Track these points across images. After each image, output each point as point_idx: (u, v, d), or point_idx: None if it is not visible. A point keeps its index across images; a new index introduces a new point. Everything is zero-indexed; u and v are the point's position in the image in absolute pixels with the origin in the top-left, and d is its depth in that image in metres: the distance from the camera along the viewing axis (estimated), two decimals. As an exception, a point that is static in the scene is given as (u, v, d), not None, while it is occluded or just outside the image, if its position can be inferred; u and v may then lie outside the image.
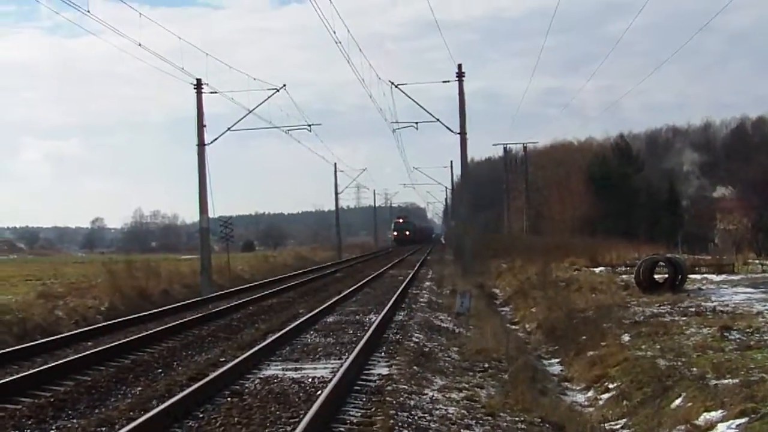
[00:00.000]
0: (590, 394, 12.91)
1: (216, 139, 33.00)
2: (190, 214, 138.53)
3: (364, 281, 30.86)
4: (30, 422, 9.18)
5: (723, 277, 26.69)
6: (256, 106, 32.44)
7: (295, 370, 12.19)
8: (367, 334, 14.61)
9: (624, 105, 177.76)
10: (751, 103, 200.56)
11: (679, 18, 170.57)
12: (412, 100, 35.87)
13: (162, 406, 8.96)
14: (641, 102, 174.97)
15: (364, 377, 11.39)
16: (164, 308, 21.76)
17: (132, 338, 15.15)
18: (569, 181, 69.59)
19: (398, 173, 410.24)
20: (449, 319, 19.80)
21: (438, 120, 36.65)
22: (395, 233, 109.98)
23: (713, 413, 9.27)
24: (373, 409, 9.34)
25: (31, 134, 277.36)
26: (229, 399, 9.97)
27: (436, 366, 12.95)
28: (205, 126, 32.08)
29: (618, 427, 10.78)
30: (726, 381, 10.38)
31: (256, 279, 36.43)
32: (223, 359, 13.21)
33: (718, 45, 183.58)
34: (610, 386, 12.52)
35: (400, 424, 8.70)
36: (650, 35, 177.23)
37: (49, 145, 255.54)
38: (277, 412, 9.22)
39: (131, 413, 9.31)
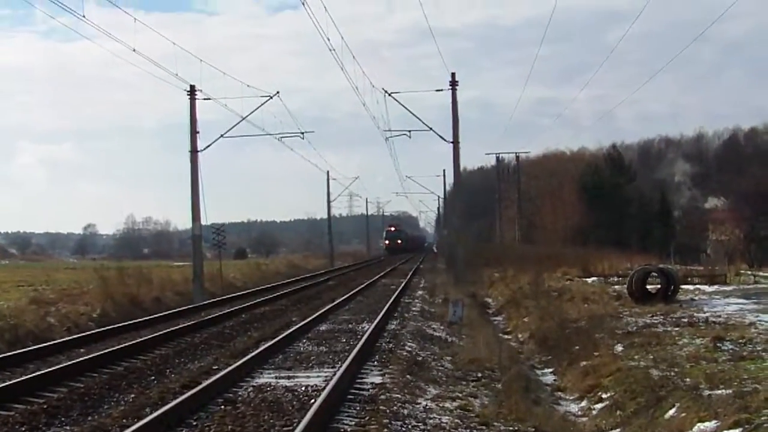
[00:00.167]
0: (583, 404, 12.90)
1: (209, 146, 33.14)
2: (182, 221, 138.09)
3: (356, 290, 30.83)
4: (23, 429, 9.15)
5: (715, 287, 26.76)
6: (250, 113, 32.56)
7: (288, 378, 12.17)
8: (360, 343, 14.59)
9: (617, 115, 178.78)
10: (745, 114, 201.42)
11: (673, 27, 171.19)
12: (406, 108, 35.89)
13: (155, 414, 8.93)
14: (635, 112, 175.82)
15: (358, 386, 11.37)
16: (156, 315, 21.68)
17: (124, 345, 15.09)
18: (562, 191, 69.68)
19: (391, 182, 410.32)
20: (442, 328, 19.79)
21: (431, 129, 36.78)
22: (387, 242, 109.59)
23: (707, 423, 9.28)
24: (366, 418, 9.32)
25: (26, 138, 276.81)
26: (222, 407, 9.94)
27: (429, 375, 12.94)
28: (198, 132, 32.11)
29: (611, 437, 10.78)
30: (719, 391, 10.39)
31: (249, 287, 36.40)
32: (216, 367, 13.18)
33: (712, 55, 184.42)
34: (604, 396, 12.52)
35: (394, 433, 8.70)
36: (644, 44, 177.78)
37: (43, 150, 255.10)
38: (271, 420, 9.21)
39: (124, 420, 9.27)
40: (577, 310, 21.35)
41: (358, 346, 14.07)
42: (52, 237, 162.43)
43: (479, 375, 13.39)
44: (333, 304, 24.38)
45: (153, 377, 12.55)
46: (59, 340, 16.51)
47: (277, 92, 32.63)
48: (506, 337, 21.44)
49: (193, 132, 31.98)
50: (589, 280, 32.48)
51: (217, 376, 11.37)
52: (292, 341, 16.20)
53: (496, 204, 74.85)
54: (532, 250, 52.58)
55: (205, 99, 31.77)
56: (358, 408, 9.96)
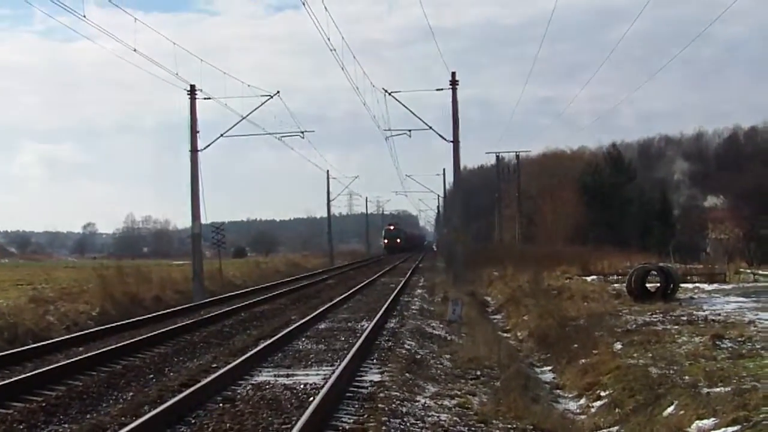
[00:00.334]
0: (582, 401, 12.91)
1: (209, 146, 33.08)
2: (182, 220, 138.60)
3: (355, 288, 30.82)
4: (21, 427, 9.15)
5: (715, 286, 26.76)
6: (250, 113, 32.52)
7: (287, 376, 12.17)
8: (359, 341, 14.60)
9: (617, 114, 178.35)
10: (745, 112, 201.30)
11: (674, 26, 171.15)
12: (406, 107, 35.81)
13: (154, 412, 8.92)
14: (635, 111, 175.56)
15: (356, 384, 11.37)
16: (156, 314, 21.66)
17: (124, 343, 15.08)
18: (561, 190, 69.62)
19: (391, 181, 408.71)
20: (441, 326, 19.79)
21: (431, 128, 36.70)
22: (386, 241, 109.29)
23: (705, 421, 9.29)
24: (365, 416, 9.32)
25: (26, 138, 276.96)
26: (221, 405, 9.95)
27: (428, 373, 12.94)
28: (198, 132, 32.09)
29: (610, 434, 10.79)
30: (718, 389, 10.40)
31: (248, 285, 36.39)
32: (215, 365, 13.18)
33: (713, 53, 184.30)
34: (602, 394, 12.53)
35: (392, 430, 8.70)
36: (645, 43, 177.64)
37: (43, 149, 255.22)
38: (270, 419, 9.20)
39: (123, 418, 9.28)
40: (576, 309, 21.35)
41: (357, 345, 14.08)
42: (52, 236, 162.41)
43: (478, 373, 13.39)
44: (332, 302, 24.37)
45: (152, 375, 12.55)
46: (58, 339, 16.50)
47: (278, 92, 32.62)
48: (505, 335, 21.45)
49: (193, 131, 31.95)
50: (589, 278, 32.49)
51: (216, 374, 11.37)
52: (291, 339, 16.19)
53: (496, 203, 74.80)
54: (532, 249, 52.57)
55: (205, 98, 31.76)
56: (356, 406, 9.95)
